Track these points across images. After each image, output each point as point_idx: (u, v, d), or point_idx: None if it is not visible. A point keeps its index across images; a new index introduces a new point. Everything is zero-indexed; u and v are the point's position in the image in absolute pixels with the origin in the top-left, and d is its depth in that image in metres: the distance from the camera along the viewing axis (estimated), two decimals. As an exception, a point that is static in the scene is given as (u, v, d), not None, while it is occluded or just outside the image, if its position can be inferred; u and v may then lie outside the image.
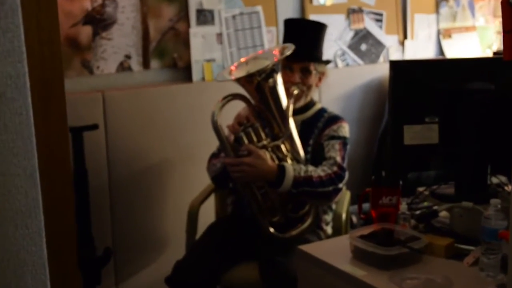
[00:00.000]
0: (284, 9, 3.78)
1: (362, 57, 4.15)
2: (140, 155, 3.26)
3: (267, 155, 2.40)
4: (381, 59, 4.23)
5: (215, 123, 2.37)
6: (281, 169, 2.40)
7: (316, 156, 2.57)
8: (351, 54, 4.10)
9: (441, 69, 2.21)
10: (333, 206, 2.70)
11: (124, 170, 3.21)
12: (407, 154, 2.09)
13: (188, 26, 3.42)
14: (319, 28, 2.69)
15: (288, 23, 2.75)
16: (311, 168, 2.45)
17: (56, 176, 2.30)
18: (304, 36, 2.64)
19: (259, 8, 3.65)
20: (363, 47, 4.15)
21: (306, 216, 2.53)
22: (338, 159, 2.50)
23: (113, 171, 3.18)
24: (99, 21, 3.14)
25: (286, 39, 2.67)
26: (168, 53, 3.38)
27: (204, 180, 2.88)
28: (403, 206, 2.04)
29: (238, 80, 2.45)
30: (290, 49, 2.42)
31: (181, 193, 3.37)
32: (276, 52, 2.53)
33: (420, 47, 4.44)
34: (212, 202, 3.00)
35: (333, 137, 2.58)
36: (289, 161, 2.46)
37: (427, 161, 2.18)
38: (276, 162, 2.43)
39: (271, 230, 2.47)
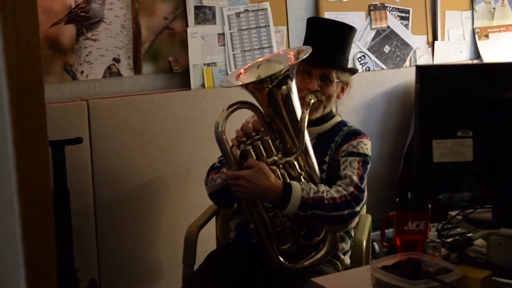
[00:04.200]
0: (295, 6, 3.79)
1: (384, 61, 4.16)
2: (130, 173, 3.27)
3: (271, 171, 2.40)
4: (407, 63, 4.25)
5: (220, 135, 2.37)
6: (287, 188, 2.40)
7: (332, 175, 2.57)
8: (372, 57, 4.11)
9: (476, 75, 2.22)
10: (352, 232, 2.70)
11: (112, 191, 3.22)
12: (436, 173, 2.09)
13: (186, 25, 3.44)
14: (347, 31, 2.69)
15: (311, 22, 2.77)
16: (323, 188, 2.44)
17: (34, 197, 2.31)
18: (328, 38, 2.64)
19: (267, 5, 3.67)
20: (386, 49, 4.16)
21: (322, 243, 2.53)
22: (355, 178, 2.50)
23: (99, 191, 3.19)
24: (83, 19, 3.16)
25: (306, 41, 2.69)
26: (163, 56, 3.40)
27: (203, 202, 2.89)
28: (433, 233, 2.03)
29: (246, 87, 2.46)
30: (306, 52, 2.43)
31: (177, 216, 3.37)
32: (291, 55, 2.54)
33: (452, 49, 4.45)
34: (212, 227, 3.00)
35: (351, 154, 2.58)
36: (303, 180, 2.46)
37: (459, 181, 2.18)
38: (288, 180, 2.43)
39: (281, 259, 2.47)
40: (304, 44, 2.66)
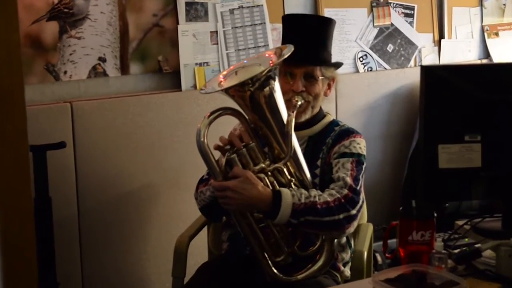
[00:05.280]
0: (292, 2, 3.80)
1: (388, 61, 4.16)
2: (116, 180, 3.26)
3: (258, 180, 2.39)
4: (412, 62, 4.25)
5: (202, 144, 2.36)
6: (277, 196, 2.39)
7: (325, 179, 2.57)
8: (375, 56, 4.12)
9: (485, 75, 2.22)
10: (352, 242, 2.70)
11: (97, 199, 3.22)
12: (442, 180, 2.09)
13: (176, 22, 3.44)
14: (325, 24, 2.70)
15: (288, 19, 2.77)
16: (315, 192, 2.44)
17: (13, 206, 2.30)
18: (307, 35, 2.64)
19: (262, 1, 3.67)
20: (390, 48, 4.17)
21: (319, 254, 2.52)
22: (348, 180, 2.49)
23: (83, 199, 3.18)
24: (67, 16, 3.16)
25: (285, 39, 2.68)
26: (152, 55, 3.40)
27: (194, 210, 2.88)
28: (438, 244, 2.03)
29: (227, 92, 2.45)
30: (288, 50, 2.43)
31: (167, 226, 3.37)
32: (271, 55, 2.54)
33: (459, 48, 4.46)
34: (204, 238, 2.99)
35: (344, 155, 2.57)
36: (293, 186, 2.46)
37: (467, 189, 2.18)
38: (277, 188, 2.42)
39: (275, 272, 2.47)
40: (283, 44, 2.66)
